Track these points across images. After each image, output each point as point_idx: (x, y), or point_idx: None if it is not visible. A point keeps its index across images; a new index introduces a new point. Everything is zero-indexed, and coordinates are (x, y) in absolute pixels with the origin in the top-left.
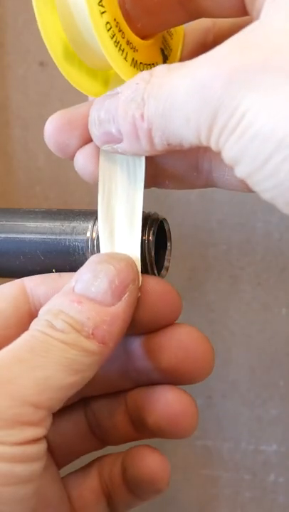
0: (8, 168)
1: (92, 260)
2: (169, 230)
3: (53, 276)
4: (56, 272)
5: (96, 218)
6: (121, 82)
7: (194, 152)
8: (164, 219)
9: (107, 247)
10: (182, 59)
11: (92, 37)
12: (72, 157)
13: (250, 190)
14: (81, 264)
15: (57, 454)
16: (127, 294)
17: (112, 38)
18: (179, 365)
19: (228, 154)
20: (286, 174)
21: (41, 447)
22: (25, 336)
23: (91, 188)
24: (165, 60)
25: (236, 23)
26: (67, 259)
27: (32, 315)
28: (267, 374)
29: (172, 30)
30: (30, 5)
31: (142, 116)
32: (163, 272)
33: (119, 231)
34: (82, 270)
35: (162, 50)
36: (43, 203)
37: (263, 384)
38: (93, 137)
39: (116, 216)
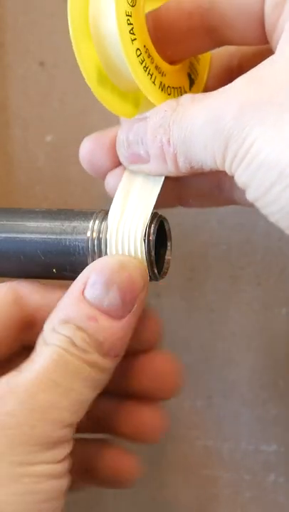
0: (8, 168)
1: (104, 266)
2: (169, 229)
3: (46, 286)
4: (56, 271)
5: (96, 218)
6: (150, 103)
7: (216, 172)
8: (164, 218)
9: (113, 236)
10: (208, 82)
11: (123, 62)
12: (103, 177)
13: None
14: (81, 264)
15: None
16: (136, 305)
17: (141, 64)
18: (151, 389)
19: (239, 180)
20: (287, 200)
21: (71, 459)
22: (52, 355)
23: (91, 189)
24: (192, 84)
25: (259, 48)
26: (67, 259)
27: (23, 320)
28: (267, 374)
29: (199, 55)
30: (31, 5)
31: (169, 141)
32: (163, 272)
33: (127, 226)
34: (92, 273)
35: (189, 75)
36: (43, 203)
37: (263, 384)
38: (121, 157)
39: (127, 218)
